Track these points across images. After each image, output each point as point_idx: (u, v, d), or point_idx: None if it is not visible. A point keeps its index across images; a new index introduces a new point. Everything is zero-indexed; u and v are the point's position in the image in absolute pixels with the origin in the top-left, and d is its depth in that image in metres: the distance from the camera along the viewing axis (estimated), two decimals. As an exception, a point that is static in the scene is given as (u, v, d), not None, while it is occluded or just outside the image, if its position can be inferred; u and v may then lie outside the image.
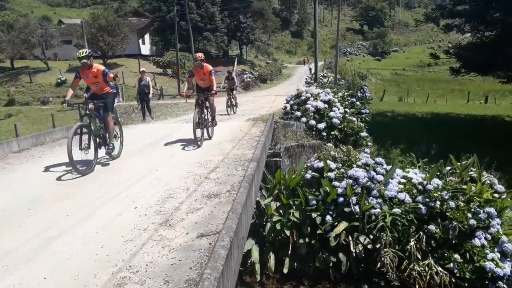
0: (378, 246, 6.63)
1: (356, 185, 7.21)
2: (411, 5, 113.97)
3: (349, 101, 13.14)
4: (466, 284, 6.35)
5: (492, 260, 6.33)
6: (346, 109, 11.84)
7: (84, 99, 6.14)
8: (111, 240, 3.15)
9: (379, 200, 7.05)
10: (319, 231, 6.97)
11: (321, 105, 11.05)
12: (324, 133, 10.49)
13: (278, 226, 7.06)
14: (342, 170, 7.58)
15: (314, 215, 7.07)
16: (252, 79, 37.00)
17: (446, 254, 6.55)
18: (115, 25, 33.34)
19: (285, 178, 7.61)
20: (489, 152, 9.46)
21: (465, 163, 7.92)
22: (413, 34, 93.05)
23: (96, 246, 3.06)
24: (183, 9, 35.38)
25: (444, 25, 24.48)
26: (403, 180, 7.51)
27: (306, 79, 34.14)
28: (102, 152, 5.95)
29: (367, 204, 6.94)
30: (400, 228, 6.71)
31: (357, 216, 6.91)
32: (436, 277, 6.37)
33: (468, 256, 6.46)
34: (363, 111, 13.96)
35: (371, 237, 6.76)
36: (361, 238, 6.80)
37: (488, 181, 7.65)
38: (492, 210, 6.67)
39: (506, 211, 7.08)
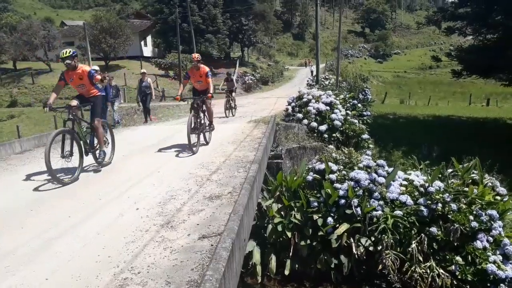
0: (379, 248, 6.62)
1: (358, 187, 7.20)
2: (412, 7, 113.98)
3: (351, 103, 13.15)
4: (468, 287, 6.34)
5: (494, 262, 6.31)
6: (348, 111, 11.84)
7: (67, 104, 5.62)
8: (113, 241, 3.16)
9: (381, 202, 7.04)
10: (320, 233, 6.95)
11: (322, 107, 11.05)
12: (326, 135, 10.49)
13: (279, 228, 7.05)
14: (344, 172, 7.58)
15: (315, 217, 7.06)
16: (253, 81, 36.97)
17: (448, 256, 6.54)
18: (117, 27, 33.45)
19: (287, 180, 7.60)
20: (491, 154, 9.45)
21: (467, 166, 7.92)
22: (415, 36, 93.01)
23: (98, 247, 3.07)
24: (185, 11, 35.45)
25: (446, 27, 24.48)
26: (404, 183, 7.50)
27: (307, 81, 34.09)
28: (89, 158, 5.61)
29: (368, 206, 6.93)
30: (401, 230, 6.70)
31: (358, 218, 6.90)
32: (437, 279, 6.35)
33: (470, 258, 6.45)
34: (364, 113, 13.97)
35: (373, 239, 6.75)
36: (363, 240, 6.79)
37: (490, 184, 7.65)
38: (494, 212, 6.66)
39: (508, 213, 7.06)
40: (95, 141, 5.80)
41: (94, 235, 3.32)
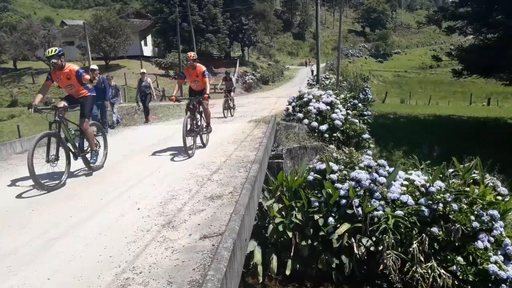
0: (380, 248, 6.61)
1: (359, 187, 7.19)
2: (413, 7, 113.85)
3: (351, 103, 13.14)
4: (469, 287, 6.33)
5: (495, 262, 6.31)
6: (348, 111, 11.84)
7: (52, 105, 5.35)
8: (114, 241, 3.16)
9: (382, 202, 7.04)
10: (321, 233, 6.96)
11: (323, 107, 11.05)
12: (326, 135, 10.48)
13: (280, 228, 7.05)
14: (345, 172, 7.57)
15: (316, 217, 7.05)
16: (254, 80, 36.97)
17: (449, 257, 6.53)
18: (117, 26, 33.48)
19: (287, 180, 7.60)
20: (491, 154, 9.44)
21: (468, 165, 7.91)
22: (415, 36, 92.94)
23: (100, 247, 3.07)
24: (185, 10, 35.44)
25: (446, 27, 24.46)
26: (405, 182, 7.50)
27: (308, 80, 34.10)
28: (78, 162, 5.36)
29: (369, 206, 6.92)
30: (402, 230, 6.69)
31: (359, 218, 6.89)
32: (439, 279, 6.35)
33: (471, 258, 6.45)
34: (365, 113, 13.95)
35: (374, 239, 6.74)
36: (364, 240, 6.78)
37: (491, 184, 7.64)
38: (495, 212, 6.66)
39: (510, 213, 7.06)
40: (85, 144, 5.55)
41: (96, 235, 3.31)
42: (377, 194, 7.13)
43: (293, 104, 11.72)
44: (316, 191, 7.46)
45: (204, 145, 7.16)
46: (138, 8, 69.23)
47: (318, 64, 26.16)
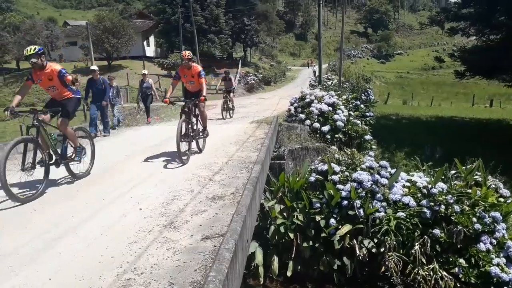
0: (382, 250, 6.59)
1: (361, 188, 7.18)
2: (415, 8, 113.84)
3: (353, 104, 13.12)
4: (471, 289, 6.31)
5: (498, 265, 6.29)
6: (350, 112, 11.82)
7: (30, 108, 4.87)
8: (115, 242, 3.16)
9: (384, 204, 7.02)
10: (323, 234, 6.94)
11: (325, 107, 11.03)
12: (328, 136, 10.47)
13: (282, 229, 7.04)
14: (346, 173, 7.56)
15: (318, 218, 7.04)
16: (256, 81, 36.95)
17: (451, 259, 6.51)
18: (120, 26, 33.57)
19: (289, 181, 7.59)
20: (494, 156, 9.41)
21: (470, 167, 7.89)
22: (418, 37, 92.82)
23: (101, 248, 3.07)
24: (187, 11, 35.51)
25: (449, 28, 24.39)
26: (407, 184, 7.48)
27: (310, 81, 34.09)
28: (61, 171, 5.05)
29: (371, 207, 6.90)
30: (404, 232, 6.67)
31: (361, 219, 6.88)
32: (440, 281, 6.32)
33: (473, 260, 6.43)
34: (367, 114, 13.93)
35: (375, 240, 6.72)
36: (365, 242, 6.76)
37: (494, 185, 7.62)
38: (497, 214, 6.63)
39: (512, 215, 7.03)
40: (69, 150, 5.16)
41: (97, 235, 3.32)
42: (379, 195, 7.11)
43: (295, 105, 11.71)
44: (318, 192, 7.44)
45: (200, 151, 6.77)
46: (140, 8, 69.45)
47: (320, 65, 26.12)
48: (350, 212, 6.95)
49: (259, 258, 6.96)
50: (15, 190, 4.29)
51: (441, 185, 7.06)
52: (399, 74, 63.96)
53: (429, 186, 7.15)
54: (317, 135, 10.43)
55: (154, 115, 14.28)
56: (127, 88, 26.81)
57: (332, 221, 6.94)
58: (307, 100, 11.58)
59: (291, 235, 7.02)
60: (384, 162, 7.88)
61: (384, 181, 7.30)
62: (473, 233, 6.51)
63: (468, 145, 14.80)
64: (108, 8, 72.49)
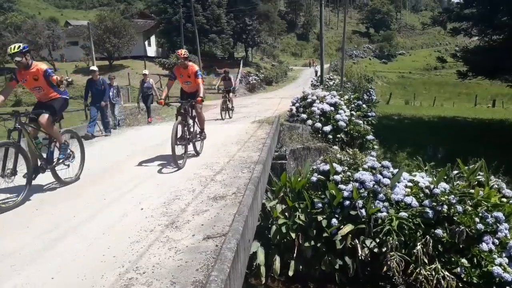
0: (384, 249, 6.58)
1: (363, 189, 7.16)
2: (417, 8, 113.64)
3: (355, 104, 13.13)
4: (473, 289, 6.29)
5: (500, 265, 6.27)
6: (352, 112, 11.81)
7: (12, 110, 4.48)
8: (117, 241, 3.16)
9: (386, 204, 7.00)
10: (325, 234, 6.93)
11: (327, 107, 11.03)
12: (330, 136, 10.46)
13: (283, 229, 7.03)
14: (348, 173, 7.55)
15: (320, 218, 7.03)
16: (257, 81, 36.93)
17: (453, 259, 6.50)
18: (121, 26, 33.62)
19: (291, 181, 7.58)
20: (496, 156, 9.37)
21: (472, 167, 7.87)
22: (420, 37, 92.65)
23: (103, 247, 3.07)
24: (189, 11, 35.55)
25: (451, 28, 24.37)
26: (409, 184, 7.46)
27: (312, 81, 34.08)
28: (46, 176, 4.75)
29: (373, 207, 6.89)
30: (406, 232, 6.66)
31: (363, 219, 6.87)
32: (443, 281, 6.31)
33: (475, 260, 6.41)
34: (369, 114, 13.93)
35: (378, 240, 6.71)
36: (367, 242, 6.75)
37: (496, 186, 7.59)
38: (500, 214, 6.61)
39: (514, 215, 7.00)
40: (55, 155, 4.85)
41: (99, 235, 3.31)
42: (381, 195, 7.10)
43: (297, 105, 11.71)
44: (320, 192, 7.44)
45: (197, 154, 6.49)
46: (142, 8, 69.43)
47: (322, 65, 26.10)
48: (352, 212, 6.94)
49: (261, 257, 6.96)
50: None
51: (443, 185, 7.04)
52: (401, 74, 63.88)
53: (432, 186, 7.13)
54: (319, 135, 10.43)
55: (155, 115, 14.28)
56: (128, 88, 26.84)
57: (334, 221, 6.93)
58: (309, 100, 11.57)
59: (293, 235, 7.01)
60: (386, 162, 7.86)
61: (386, 181, 7.29)
62: (476, 233, 6.49)
63: (471, 145, 14.76)
64: (110, 8, 72.64)
